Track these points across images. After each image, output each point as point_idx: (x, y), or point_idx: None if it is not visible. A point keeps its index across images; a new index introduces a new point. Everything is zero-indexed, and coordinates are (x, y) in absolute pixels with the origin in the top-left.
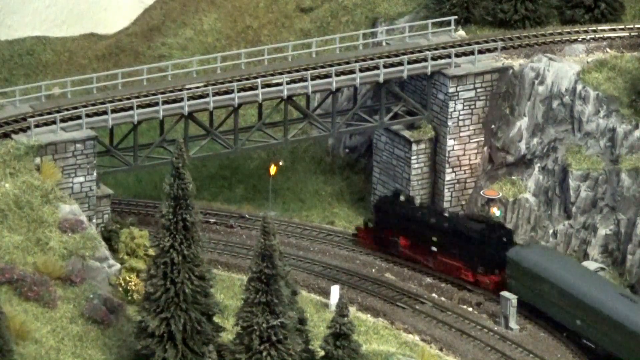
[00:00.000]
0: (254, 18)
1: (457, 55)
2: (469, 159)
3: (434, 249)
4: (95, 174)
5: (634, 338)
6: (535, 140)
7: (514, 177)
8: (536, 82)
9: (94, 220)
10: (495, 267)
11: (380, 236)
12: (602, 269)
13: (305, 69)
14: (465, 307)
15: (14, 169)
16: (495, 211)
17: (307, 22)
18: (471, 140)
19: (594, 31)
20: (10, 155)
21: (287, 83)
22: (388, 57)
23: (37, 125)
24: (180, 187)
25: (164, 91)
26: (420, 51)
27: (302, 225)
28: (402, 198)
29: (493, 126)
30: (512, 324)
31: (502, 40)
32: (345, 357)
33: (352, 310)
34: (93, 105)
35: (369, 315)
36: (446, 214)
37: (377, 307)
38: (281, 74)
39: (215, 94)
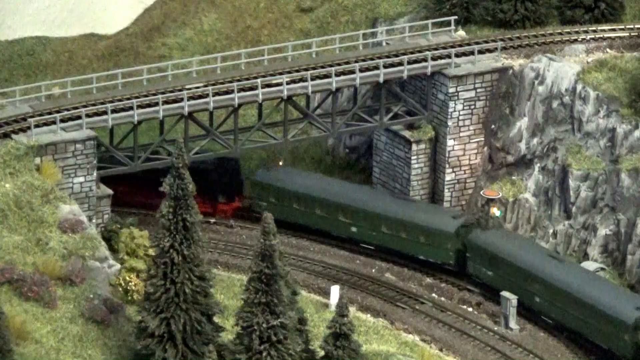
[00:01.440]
0: (254, 18)
1: (457, 55)
2: (469, 159)
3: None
4: (95, 174)
5: (412, 231)
6: (535, 140)
7: (514, 177)
8: (536, 82)
9: (94, 220)
10: (234, 194)
11: None
12: (602, 269)
13: (305, 69)
14: (465, 307)
15: (14, 169)
16: (495, 211)
17: (307, 22)
18: (471, 140)
19: (594, 31)
20: (10, 155)
21: (287, 83)
22: (388, 57)
23: (37, 125)
24: (180, 187)
25: (164, 91)
26: (420, 51)
27: None
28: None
29: (493, 126)
30: (512, 324)
31: (502, 40)
32: (345, 357)
33: (352, 310)
34: (93, 105)
35: (369, 315)
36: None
37: (377, 307)
38: (281, 74)
39: (215, 94)
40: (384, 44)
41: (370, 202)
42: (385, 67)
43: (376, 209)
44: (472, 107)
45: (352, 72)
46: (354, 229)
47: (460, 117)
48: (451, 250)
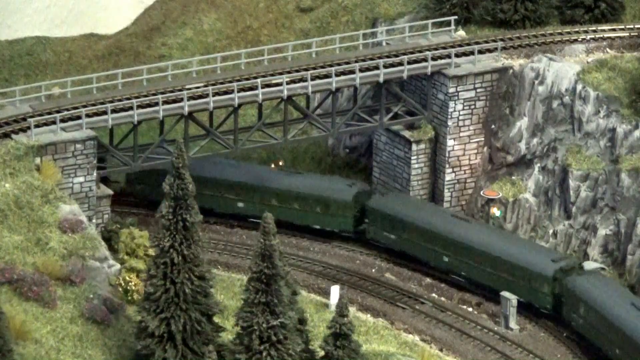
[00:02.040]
0: (254, 18)
1: (457, 55)
2: (469, 159)
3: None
4: (95, 174)
5: (308, 202)
6: (535, 140)
7: (514, 177)
8: (536, 82)
9: (94, 220)
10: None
11: None
12: (602, 269)
13: (305, 69)
14: (465, 307)
15: (14, 169)
16: (495, 211)
17: (307, 22)
18: (471, 140)
19: (594, 31)
20: (10, 155)
21: (287, 83)
22: (388, 57)
23: (37, 125)
24: (180, 187)
25: (164, 91)
26: (420, 51)
27: None
28: None
29: (493, 126)
30: (512, 324)
31: (502, 40)
32: (345, 357)
33: (352, 310)
34: (93, 105)
35: (369, 315)
36: None
37: (377, 307)
38: (281, 74)
39: (215, 94)
40: (384, 44)
41: (258, 178)
42: (385, 67)
43: (267, 183)
44: (472, 107)
45: (352, 72)
46: (240, 205)
47: (460, 117)
48: (349, 217)
